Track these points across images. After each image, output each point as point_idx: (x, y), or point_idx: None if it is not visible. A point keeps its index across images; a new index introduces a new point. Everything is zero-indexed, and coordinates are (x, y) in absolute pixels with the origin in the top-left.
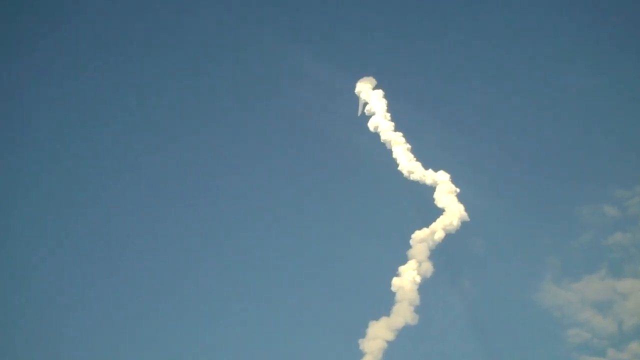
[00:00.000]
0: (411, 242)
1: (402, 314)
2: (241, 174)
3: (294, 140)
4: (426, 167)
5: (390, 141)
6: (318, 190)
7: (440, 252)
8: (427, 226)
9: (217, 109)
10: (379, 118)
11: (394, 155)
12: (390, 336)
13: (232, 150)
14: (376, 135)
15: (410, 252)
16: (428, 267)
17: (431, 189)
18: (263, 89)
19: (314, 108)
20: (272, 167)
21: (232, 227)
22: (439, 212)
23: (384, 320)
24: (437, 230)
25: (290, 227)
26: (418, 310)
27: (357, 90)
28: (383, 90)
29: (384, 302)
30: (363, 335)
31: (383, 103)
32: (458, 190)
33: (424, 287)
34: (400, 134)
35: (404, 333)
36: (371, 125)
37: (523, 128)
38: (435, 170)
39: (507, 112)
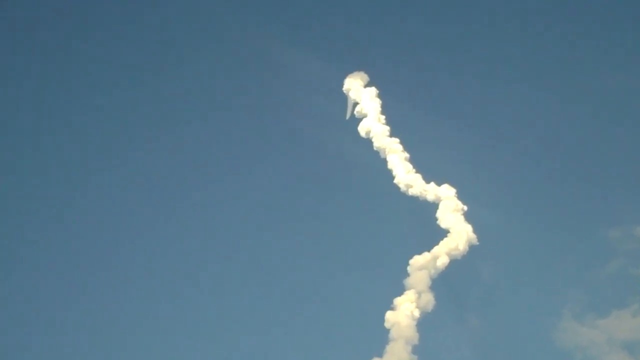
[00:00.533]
0: (409, 269)
1: (398, 354)
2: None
3: (270, 147)
4: (427, 179)
5: (384, 149)
6: (299, 208)
7: (443, 281)
8: (428, 250)
9: (188, 107)
10: (372, 121)
11: (389, 166)
12: None
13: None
14: (368, 142)
15: (408, 281)
16: (429, 299)
17: (433, 206)
18: (233, 84)
19: (293, 108)
20: (247, 182)
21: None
22: (443, 233)
23: None
24: (440, 255)
25: (267, 252)
26: (416, 350)
27: (345, 87)
28: (376, 87)
29: (376, 341)
30: None
31: (376, 103)
32: (465, 207)
33: (424, 323)
34: (397, 140)
35: None
36: (362, 129)
37: (543, 134)
38: (439, 183)
39: (525, 114)
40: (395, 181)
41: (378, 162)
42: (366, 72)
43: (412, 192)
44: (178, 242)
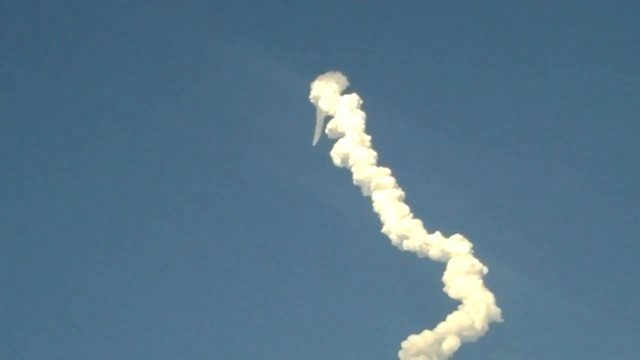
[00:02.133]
0: (400, 354)
1: None
2: None
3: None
4: (431, 228)
5: (369, 183)
6: (244, 271)
7: None
8: (431, 328)
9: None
10: (351, 143)
11: (376, 208)
12: None
13: None
14: (345, 173)
15: None
16: None
17: (438, 265)
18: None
19: (236, 124)
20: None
21: None
22: (452, 305)
23: None
24: (448, 335)
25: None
26: None
27: (313, 94)
28: (358, 94)
29: None
30: None
31: (358, 117)
32: (485, 269)
33: None
34: (387, 170)
35: None
36: (337, 155)
37: (593, 165)
38: (447, 234)
39: (564, 130)
40: (384, 230)
41: (359, 202)
42: (344, 73)
43: (407, 245)
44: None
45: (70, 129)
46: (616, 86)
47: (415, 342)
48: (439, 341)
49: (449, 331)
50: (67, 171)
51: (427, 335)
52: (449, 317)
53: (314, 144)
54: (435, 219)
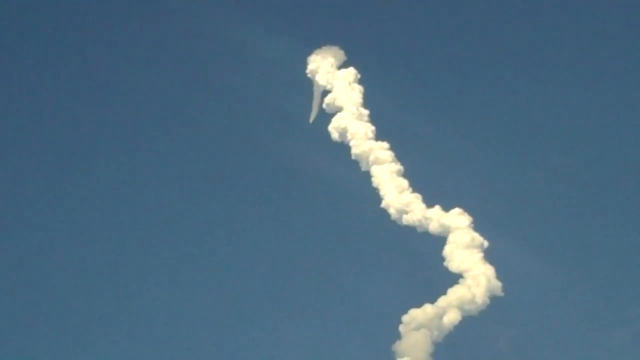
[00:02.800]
0: (401, 328)
1: None
2: None
3: (198, 157)
4: (430, 202)
5: (367, 157)
6: (241, 247)
7: (451, 348)
8: (432, 302)
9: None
10: (349, 117)
11: (375, 183)
12: None
13: None
14: (343, 148)
15: (400, 345)
16: None
17: (438, 240)
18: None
19: (232, 99)
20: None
21: None
22: (452, 279)
23: None
24: (449, 309)
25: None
26: None
27: (309, 68)
28: (356, 68)
29: None
30: None
31: (356, 91)
32: (485, 242)
33: None
34: (386, 144)
35: None
36: (335, 129)
37: (595, 141)
38: (446, 208)
39: (571, 113)
40: (383, 204)
41: (358, 176)
42: (341, 47)
43: (407, 220)
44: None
45: (61, 120)
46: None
47: (416, 315)
48: (440, 315)
49: (450, 305)
50: (61, 164)
51: (427, 309)
52: (450, 291)
53: (310, 121)
54: (434, 193)
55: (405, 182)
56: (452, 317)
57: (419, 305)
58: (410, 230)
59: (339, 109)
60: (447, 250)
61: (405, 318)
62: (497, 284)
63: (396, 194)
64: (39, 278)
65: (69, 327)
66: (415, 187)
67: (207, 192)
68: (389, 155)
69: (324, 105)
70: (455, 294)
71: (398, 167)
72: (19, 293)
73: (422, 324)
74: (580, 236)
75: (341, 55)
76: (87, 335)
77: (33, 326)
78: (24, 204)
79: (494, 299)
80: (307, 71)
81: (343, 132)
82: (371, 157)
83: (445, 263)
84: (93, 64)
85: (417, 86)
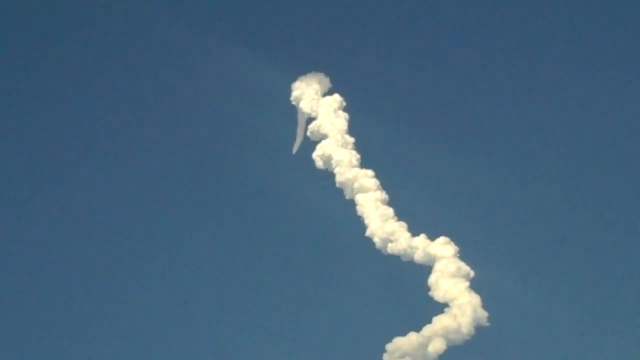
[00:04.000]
0: (385, 357)
1: None
2: None
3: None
4: (415, 231)
5: (352, 185)
6: (225, 274)
7: None
8: (417, 331)
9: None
10: (333, 144)
11: (359, 211)
12: None
13: None
14: (328, 175)
15: None
16: None
17: (424, 268)
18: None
19: (216, 125)
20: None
21: None
22: (438, 309)
23: None
24: (434, 338)
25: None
26: None
27: (293, 95)
28: (342, 95)
29: None
30: None
31: (341, 118)
32: (472, 272)
33: None
34: (371, 172)
35: None
36: (319, 157)
37: (582, 168)
38: (431, 236)
39: (558, 135)
40: (367, 233)
41: (342, 204)
42: (326, 74)
43: (392, 248)
44: None
45: (56, 128)
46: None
47: (401, 344)
48: (425, 344)
49: (435, 334)
50: (60, 173)
51: (412, 338)
52: (435, 319)
53: (293, 151)
54: (420, 222)
55: (390, 210)
56: (437, 347)
57: (403, 334)
58: (395, 259)
59: (324, 137)
60: (433, 279)
61: (389, 346)
62: (484, 314)
63: (380, 222)
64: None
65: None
66: (400, 215)
67: (187, 219)
68: (373, 183)
69: (308, 133)
70: (440, 322)
71: (383, 195)
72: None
73: (406, 352)
74: (568, 265)
75: (326, 82)
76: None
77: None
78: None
79: (479, 329)
80: (291, 98)
81: (327, 160)
82: (356, 185)
83: (430, 292)
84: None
85: (403, 114)
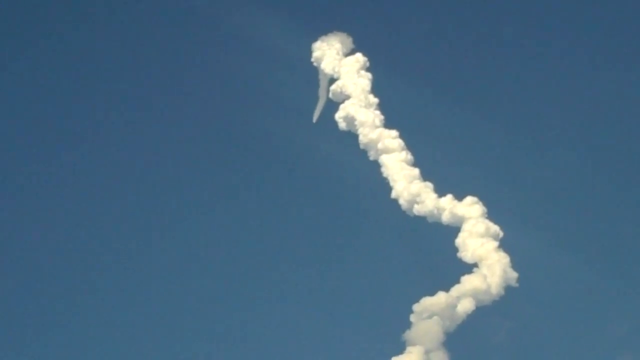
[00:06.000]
0: (412, 317)
1: None
2: None
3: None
4: (442, 191)
5: (377, 147)
6: (251, 239)
7: (465, 337)
8: (446, 290)
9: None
10: (357, 105)
11: (385, 172)
12: None
13: None
14: (351, 137)
15: (410, 334)
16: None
17: (451, 230)
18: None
19: (237, 89)
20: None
21: None
22: (466, 268)
23: None
24: (462, 297)
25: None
26: None
27: (314, 56)
28: (365, 55)
29: None
30: None
31: (364, 78)
32: (500, 231)
33: None
34: (396, 133)
35: None
36: (342, 118)
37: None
38: (459, 197)
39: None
40: (393, 194)
41: (367, 166)
42: (349, 34)
43: (418, 210)
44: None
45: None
46: None
47: (429, 304)
48: (453, 304)
49: (464, 293)
50: (61, 153)
51: (441, 298)
52: (464, 279)
53: (314, 120)
54: (446, 182)
55: (415, 171)
56: (465, 306)
57: (431, 295)
58: (422, 220)
59: (347, 97)
60: (461, 240)
61: (416, 307)
62: (513, 274)
63: (406, 183)
64: (39, 278)
65: (69, 325)
66: (426, 176)
67: (212, 184)
68: (398, 143)
69: (330, 94)
70: (469, 282)
71: (408, 155)
72: (19, 293)
73: (434, 312)
74: (597, 224)
75: (348, 41)
76: (87, 334)
77: (33, 326)
78: (23, 203)
79: (508, 289)
80: (312, 59)
81: (351, 121)
82: (380, 146)
83: (458, 254)
84: (88, 53)
85: (428, 73)
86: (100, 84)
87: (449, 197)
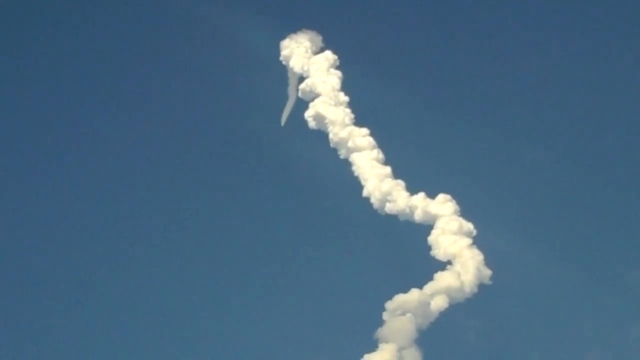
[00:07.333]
0: (385, 315)
1: None
2: None
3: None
4: (413, 189)
5: (347, 145)
6: (222, 240)
7: (438, 334)
8: (420, 287)
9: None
10: (327, 103)
11: (355, 171)
12: None
13: None
14: (321, 135)
15: (383, 331)
16: (413, 357)
17: (424, 228)
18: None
19: (206, 85)
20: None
21: None
22: (439, 266)
23: None
24: (436, 295)
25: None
26: None
27: (283, 54)
28: (335, 53)
29: None
30: None
31: (334, 76)
32: (474, 229)
33: None
34: (366, 131)
35: None
36: (312, 116)
37: (579, 128)
38: (431, 195)
39: (556, 96)
40: (364, 193)
41: (337, 165)
42: (318, 32)
43: (390, 208)
44: None
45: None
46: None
47: (402, 301)
48: (427, 301)
49: (437, 291)
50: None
51: (414, 295)
52: (437, 276)
53: (282, 123)
54: (418, 180)
55: (387, 169)
56: (439, 304)
57: (404, 290)
58: (394, 218)
59: (316, 96)
60: (434, 238)
61: (389, 304)
62: (487, 271)
63: (377, 182)
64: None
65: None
66: (398, 174)
67: (178, 183)
68: (369, 142)
69: (299, 93)
70: (443, 279)
71: (379, 154)
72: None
73: (407, 309)
74: (570, 221)
75: (318, 39)
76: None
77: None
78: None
79: (482, 287)
80: (281, 57)
81: (321, 119)
82: (350, 144)
83: (431, 252)
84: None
85: (398, 70)
86: (65, 82)
87: (421, 195)
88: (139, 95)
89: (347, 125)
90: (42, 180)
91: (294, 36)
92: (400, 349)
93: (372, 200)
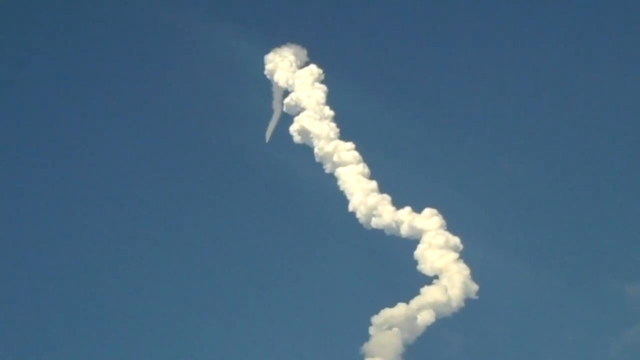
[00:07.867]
0: (371, 329)
1: None
2: None
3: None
4: (399, 203)
5: (332, 159)
6: (207, 254)
7: (424, 349)
8: (406, 302)
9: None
10: (312, 117)
11: (341, 185)
12: None
13: None
14: (306, 149)
15: (369, 346)
16: None
17: (410, 242)
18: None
19: (193, 100)
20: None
21: None
22: (426, 281)
23: None
24: (422, 309)
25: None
26: None
27: (267, 68)
28: (320, 67)
29: None
30: None
31: (319, 90)
32: (460, 243)
33: None
34: (351, 145)
35: None
36: (297, 131)
37: (565, 142)
38: (417, 209)
39: (543, 109)
40: (350, 208)
41: (323, 179)
42: (303, 46)
43: (376, 223)
44: None
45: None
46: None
47: (388, 315)
48: (413, 315)
49: (424, 305)
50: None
51: (400, 309)
52: (424, 291)
53: (267, 140)
54: (403, 195)
55: (372, 184)
56: (425, 318)
57: (391, 307)
58: (380, 233)
59: (301, 110)
60: (420, 252)
61: (376, 318)
62: (474, 286)
63: (363, 196)
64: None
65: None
66: (383, 188)
67: (160, 197)
68: (354, 156)
69: (284, 107)
70: (429, 294)
71: (364, 168)
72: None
73: (394, 324)
74: (557, 236)
75: (303, 53)
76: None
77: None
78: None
79: (468, 301)
80: (265, 71)
81: (306, 134)
82: (336, 159)
83: (418, 266)
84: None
85: (383, 84)
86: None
87: (407, 209)
88: (123, 109)
89: (332, 139)
90: (34, 183)
91: (278, 50)
92: None
93: (358, 214)
